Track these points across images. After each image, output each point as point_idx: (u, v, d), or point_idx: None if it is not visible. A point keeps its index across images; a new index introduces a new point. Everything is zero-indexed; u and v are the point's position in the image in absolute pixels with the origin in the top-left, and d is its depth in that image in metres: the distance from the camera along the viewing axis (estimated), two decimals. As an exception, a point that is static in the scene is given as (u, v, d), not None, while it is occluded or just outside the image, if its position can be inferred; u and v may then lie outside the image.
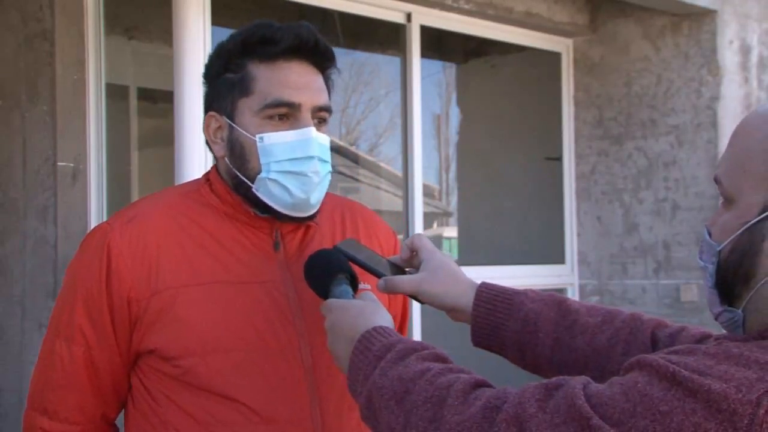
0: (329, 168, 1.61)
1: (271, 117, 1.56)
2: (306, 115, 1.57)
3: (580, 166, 5.01)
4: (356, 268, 1.55)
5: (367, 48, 5.52)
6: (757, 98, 4.71)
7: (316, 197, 1.59)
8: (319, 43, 1.59)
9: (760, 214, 1.15)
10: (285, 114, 1.56)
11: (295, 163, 1.55)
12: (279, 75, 1.56)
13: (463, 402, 1.15)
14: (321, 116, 1.60)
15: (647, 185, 4.75)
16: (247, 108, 1.57)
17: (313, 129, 1.56)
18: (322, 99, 1.60)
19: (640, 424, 1.04)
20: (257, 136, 1.56)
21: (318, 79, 1.61)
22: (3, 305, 3.39)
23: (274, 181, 1.55)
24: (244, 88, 1.57)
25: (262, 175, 1.56)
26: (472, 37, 4.84)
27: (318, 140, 1.57)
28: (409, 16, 4.32)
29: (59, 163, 3.26)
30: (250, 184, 1.57)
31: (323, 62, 1.62)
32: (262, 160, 1.55)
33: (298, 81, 1.57)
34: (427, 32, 4.43)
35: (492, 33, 4.73)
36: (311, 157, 1.55)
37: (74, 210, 3.29)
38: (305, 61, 1.59)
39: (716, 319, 1.23)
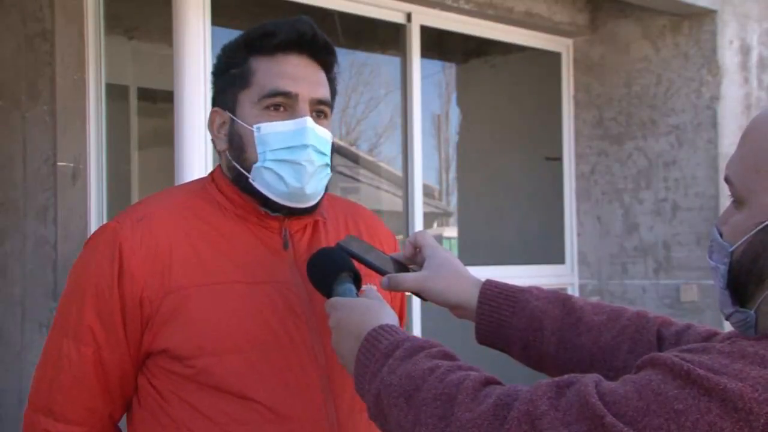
0: (326, 161, 1.60)
1: (268, 107, 1.57)
2: (303, 105, 1.57)
3: (580, 166, 5.01)
4: (359, 266, 1.55)
5: (367, 48, 5.52)
6: (757, 98, 4.71)
7: (312, 187, 1.58)
8: (317, 36, 1.60)
9: None
10: (282, 104, 1.57)
11: (290, 152, 1.55)
12: (277, 66, 1.58)
13: (474, 399, 1.15)
14: (320, 109, 1.61)
15: (647, 185, 4.75)
16: (246, 100, 1.59)
17: (309, 119, 1.56)
18: (320, 92, 1.60)
19: (654, 422, 1.04)
20: (254, 126, 1.57)
21: (317, 73, 1.62)
22: (3, 305, 3.39)
23: (269, 169, 1.56)
24: (244, 81, 1.59)
25: (258, 164, 1.56)
26: (472, 37, 4.84)
27: (315, 131, 1.57)
28: (409, 16, 4.32)
29: (59, 163, 3.26)
30: (246, 174, 1.58)
31: (323, 56, 1.63)
32: (259, 150, 1.56)
33: (295, 72, 1.58)
34: (427, 32, 4.43)
35: (492, 33, 4.73)
36: (305, 146, 1.55)
37: (74, 210, 3.29)
38: (304, 54, 1.60)
39: (727, 319, 1.22)
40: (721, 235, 1.22)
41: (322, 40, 1.61)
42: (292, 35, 1.58)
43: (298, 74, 1.58)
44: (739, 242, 1.17)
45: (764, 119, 1.20)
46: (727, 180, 1.22)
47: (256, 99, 1.58)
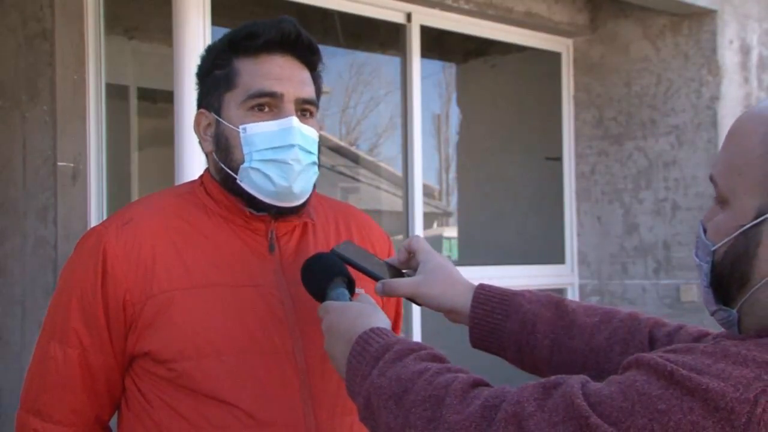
0: (314, 159, 1.61)
1: (253, 108, 1.58)
2: (288, 105, 1.58)
3: (580, 166, 5.01)
4: (353, 271, 1.55)
5: (367, 48, 5.52)
6: (756, 98, 4.71)
7: (300, 186, 1.58)
8: (301, 35, 1.60)
9: (755, 219, 1.14)
10: (267, 104, 1.58)
11: (276, 152, 1.55)
12: (261, 67, 1.58)
13: (462, 401, 1.15)
14: (305, 108, 1.61)
15: (647, 185, 4.75)
16: (231, 101, 1.59)
17: (294, 118, 1.57)
18: (306, 92, 1.61)
19: (639, 422, 1.04)
20: (240, 127, 1.57)
21: (302, 73, 1.62)
22: (3, 305, 3.39)
23: (256, 169, 1.56)
24: (229, 82, 1.59)
25: (245, 165, 1.57)
26: (472, 37, 4.84)
27: (300, 130, 1.57)
28: (409, 16, 4.32)
29: (59, 163, 3.26)
30: (234, 175, 1.59)
31: (307, 56, 1.63)
32: (245, 150, 1.57)
33: (280, 72, 1.58)
34: (427, 32, 4.44)
35: (492, 33, 4.73)
36: (292, 146, 1.55)
37: (74, 210, 3.29)
38: (288, 55, 1.60)
39: (712, 315, 1.24)
40: (705, 231, 1.22)
41: (306, 40, 1.61)
42: (276, 36, 1.58)
43: (283, 74, 1.58)
44: (721, 243, 1.18)
45: (748, 121, 1.20)
46: (711, 179, 1.22)
47: (241, 100, 1.58)
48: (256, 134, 1.56)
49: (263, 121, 1.57)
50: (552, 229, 5.09)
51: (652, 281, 4.73)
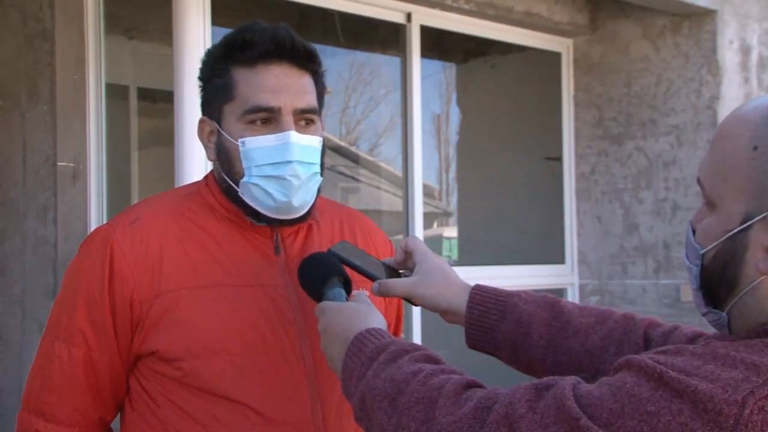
0: (314, 170, 1.59)
1: (252, 122, 1.56)
2: (286, 118, 1.56)
3: (580, 166, 5.01)
4: (350, 272, 1.55)
5: (367, 48, 5.52)
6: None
7: (300, 199, 1.58)
8: (296, 43, 1.58)
9: (742, 224, 1.14)
10: (266, 118, 1.56)
11: (275, 168, 1.55)
12: (257, 79, 1.56)
13: (455, 403, 1.16)
14: (306, 118, 1.59)
15: (647, 185, 4.75)
16: (231, 113, 1.58)
17: (292, 133, 1.55)
18: (304, 101, 1.58)
19: (628, 424, 1.05)
20: (239, 140, 1.56)
21: (300, 81, 1.59)
22: (3, 305, 3.39)
23: (256, 185, 1.56)
24: (227, 93, 1.58)
25: (245, 179, 1.57)
26: (472, 37, 4.84)
27: (300, 143, 1.55)
28: (409, 16, 4.32)
29: (59, 163, 3.26)
30: (236, 188, 1.59)
31: (304, 63, 1.60)
32: (244, 165, 1.56)
33: (276, 84, 1.56)
34: (427, 32, 4.44)
35: (492, 33, 4.73)
36: (290, 162, 1.54)
37: (74, 210, 3.29)
38: (285, 63, 1.58)
39: (703, 316, 1.24)
40: (694, 232, 1.22)
41: (301, 47, 1.59)
42: (271, 45, 1.56)
43: (280, 86, 1.56)
44: (709, 247, 1.18)
45: (734, 121, 1.19)
46: (699, 182, 1.22)
47: (240, 113, 1.57)
48: (255, 149, 1.55)
49: (261, 135, 1.55)
50: (552, 229, 5.09)
51: (652, 281, 4.73)
